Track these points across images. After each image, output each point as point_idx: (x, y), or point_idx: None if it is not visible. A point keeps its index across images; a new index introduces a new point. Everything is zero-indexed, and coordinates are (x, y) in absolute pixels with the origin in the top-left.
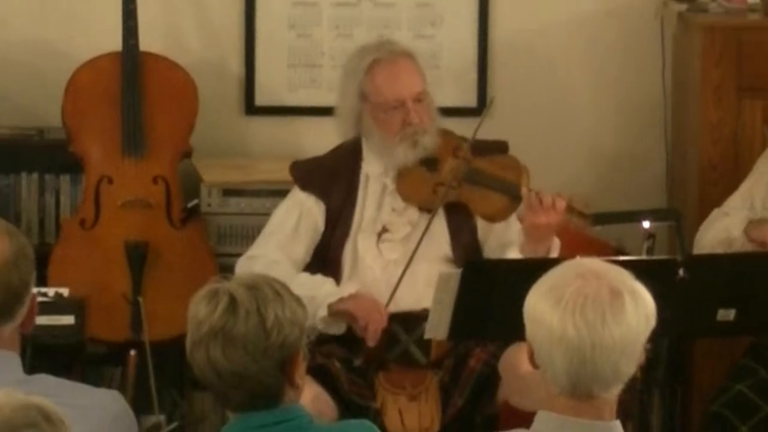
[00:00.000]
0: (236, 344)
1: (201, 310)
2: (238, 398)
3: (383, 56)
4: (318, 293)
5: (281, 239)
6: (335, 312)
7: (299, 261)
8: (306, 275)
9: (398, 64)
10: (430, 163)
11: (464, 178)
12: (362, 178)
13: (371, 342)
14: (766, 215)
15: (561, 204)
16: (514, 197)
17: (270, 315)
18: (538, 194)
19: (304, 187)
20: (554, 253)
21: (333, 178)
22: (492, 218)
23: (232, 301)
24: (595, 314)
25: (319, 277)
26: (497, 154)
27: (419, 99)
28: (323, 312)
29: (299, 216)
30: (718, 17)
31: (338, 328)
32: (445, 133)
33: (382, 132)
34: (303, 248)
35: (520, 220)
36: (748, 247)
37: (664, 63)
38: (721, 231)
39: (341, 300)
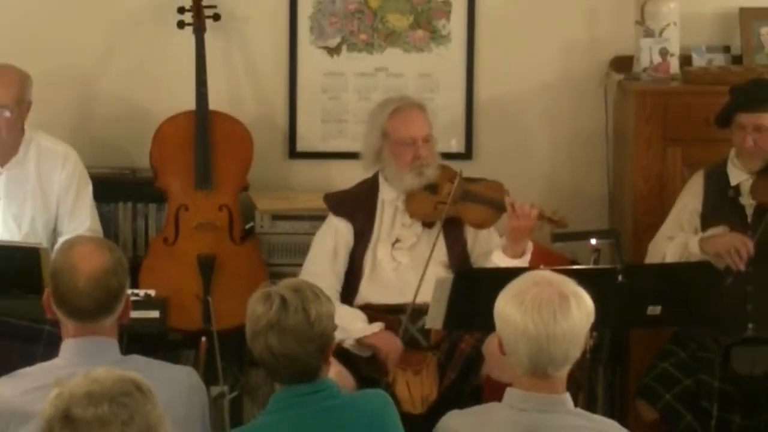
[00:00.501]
0: (288, 334)
1: (259, 308)
2: (287, 374)
3: (402, 105)
4: (351, 327)
5: (326, 261)
6: (364, 343)
7: (340, 272)
8: (343, 308)
9: (413, 112)
10: (431, 188)
11: (458, 197)
12: (379, 203)
13: (390, 368)
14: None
15: (534, 211)
16: (498, 208)
17: (312, 311)
18: (518, 204)
19: (336, 213)
20: (528, 252)
21: (357, 205)
22: (480, 225)
23: (283, 301)
24: (549, 313)
25: (355, 311)
26: (485, 180)
27: (426, 140)
28: (351, 342)
29: (335, 237)
30: (648, 84)
31: (364, 352)
32: (444, 167)
33: (397, 163)
34: (342, 261)
35: (500, 233)
36: (702, 258)
37: (607, 119)
38: (679, 247)
39: (367, 336)
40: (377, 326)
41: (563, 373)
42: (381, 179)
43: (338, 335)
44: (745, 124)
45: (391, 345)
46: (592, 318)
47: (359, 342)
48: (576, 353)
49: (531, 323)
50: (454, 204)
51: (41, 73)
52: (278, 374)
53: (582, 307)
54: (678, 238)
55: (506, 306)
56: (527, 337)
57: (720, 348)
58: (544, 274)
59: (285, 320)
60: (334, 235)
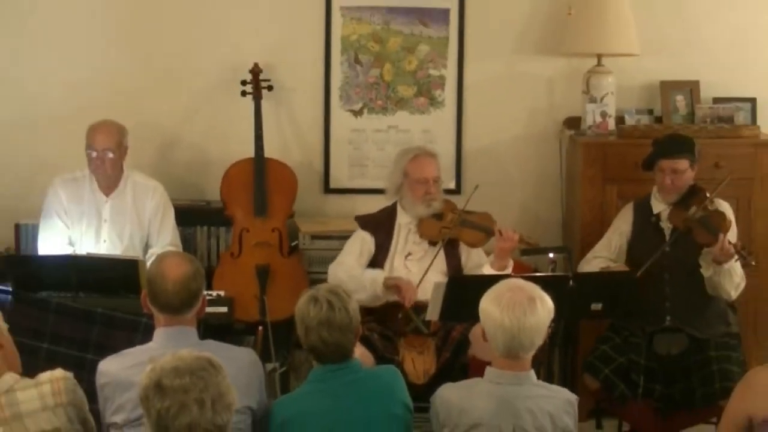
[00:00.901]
0: (335, 328)
1: (310, 309)
2: (330, 356)
3: (420, 153)
4: (378, 276)
5: (353, 256)
6: (388, 285)
7: (363, 267)
8: (368, 270)
9: (427, 159)
10: (437, 216)
11: (458, 224)
12: (397, 225)
13: (408, 303)
14: (615, 256)
15: (516, 236)
16: (488, 233)
17: (350, 308)
18: (503, 229)
19: (363, 228)
20: (509, 267)
21: (380, 225)
22: (473, 246)
23: (330, 304)
24: (520, 311)
25: (378, 270)
26: (476, 212)
27: (436, 180)
28: (380, 285)
29: (361, 244)
30: (592, 138)
31: (389, 297)
32: (447, 200)
33: (412, 196)
34: (364, 261)
35: (487, 253)
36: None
37: (562, 164)
38: (600, 262)
39: (392, 278)
40: (397, 274)
41: (530, 355)
42: (399, 207)
43: (369, 287)
44: (664, 168)
45: (408, 284)
46: (552, 315)
47: (386, 284)
48: (540, 341)
49: (507, 318)
50: (454, 229)
51: (136, 126)
52: (325, 357)
53: (545, 306)
54: (599, 259)
55: (488, 305)
56: (503, 329)
57: (645, 335)
58: (517, 281)
59: (333, 318)
60: (361, 242)
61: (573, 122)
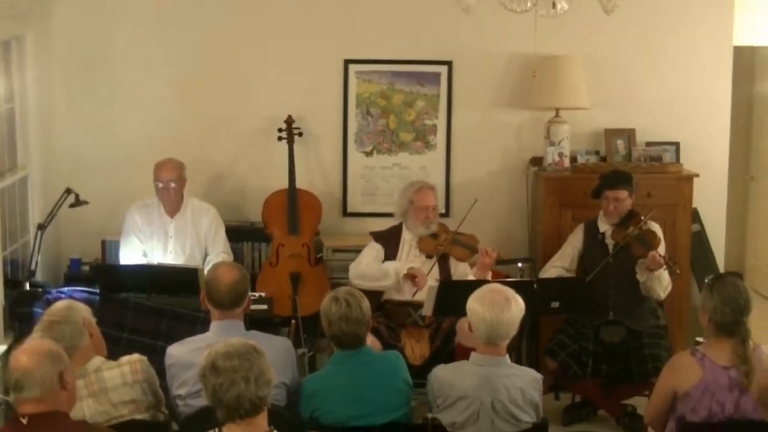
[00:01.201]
0: (352, 321)
1: (332, 307)
2: (348, 343)
3: (422, 186)
4: (401, 267)
5: (370, 258)
6: (408, 273)
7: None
8: (388, 263)
9: (428, 191)
10: (434, 236)
11: (450, 243)
12: (402, 241)
13: (420, 288)
14: (568, 265)
15: (494, 254)
16: (473, 251)
17: (363, 306)
18: (485, 248)
19: (376, 240)
20: (488, 278)
21: (389, 239)
22: (461, 260)
23: (348, 302)
24: (499, 308)
25: (392, 263)
26: (465, 234)
27: (434, 208)
28: (401, 273)
29: (376, 252)
30: (552, 173)
31: (406, 282)
32: (442, 224)
33: (415, 219)
34: (378, 262)
35: (471, 266)
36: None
37: (528, 194)
38: (557, 270)
39: (410, 268)
40: (411, 265)
41: (506, 343)
42: (404, 227)
43: (392, 273)
44: (609, 196)
45: (422, 274)
46: (523, 312)
47: (407, 272)
48: (513, 332)
49: (488, 314)
50: (447, 246)
51: (194, 162)
52: (343, 344)
53: (518, 305)
54: (556, 268)
55: (473, 303)
56: (485, 322)
57: (593, 326)
58: (496, 285)
59: (350, 314)
60: (375, 250)
61: (537, 161)
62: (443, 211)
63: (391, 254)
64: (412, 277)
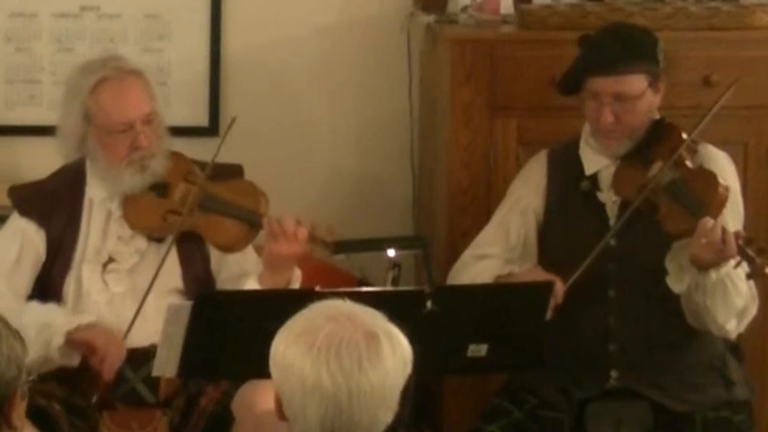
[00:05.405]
0: None
1: None
2: None
3: (109, 75)
4: (54, 321)
5: (3, 271)
6: (72, 341)
7: (22, 294)
8: (37, 303)
9: (126, 84)
10: (160, 188)
11: (198, 205)
12: (86, 203)
13: (108, 376)
14: (520, 250)
15: (303, 233)
16: (252, 225)
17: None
18: (280, 222)
19: (24, 213)
20: (295, 284)
21: (54, 204)
22: (229, 248)
23: None
24: (351, 360)
25: (52, 305)
26: (233, 179)
27: (148, 120)
28: (60, 340)
29: (21, 245)
30: (469, 30)
31: (73, 360)
32: (177, 156)
33: (108, 156)
34: (26, 280)
35: (258, 250)
36: None
37: (411, 79)
38: (491, 265)
39: (79, 329)
40: (91, 316)
41: None
42: (89, 170)
43: (36, 340)
44: (599, 91)
45: (111, 343)
46: (409, 367)
47: (68, 339)
48: (387, 417)
49: (326, 374)
50: (191, 215)
51: None
52: None
53: (397, 350)
54: (486, 261)
55: (288, 350)
56: (320, 393)
57: (571, 404)
58: (340, 304)
59: None
60: (20, 242)
61: (432, 1)
62: (204, 124)
63: (63, 242)
64: (86, 347)
